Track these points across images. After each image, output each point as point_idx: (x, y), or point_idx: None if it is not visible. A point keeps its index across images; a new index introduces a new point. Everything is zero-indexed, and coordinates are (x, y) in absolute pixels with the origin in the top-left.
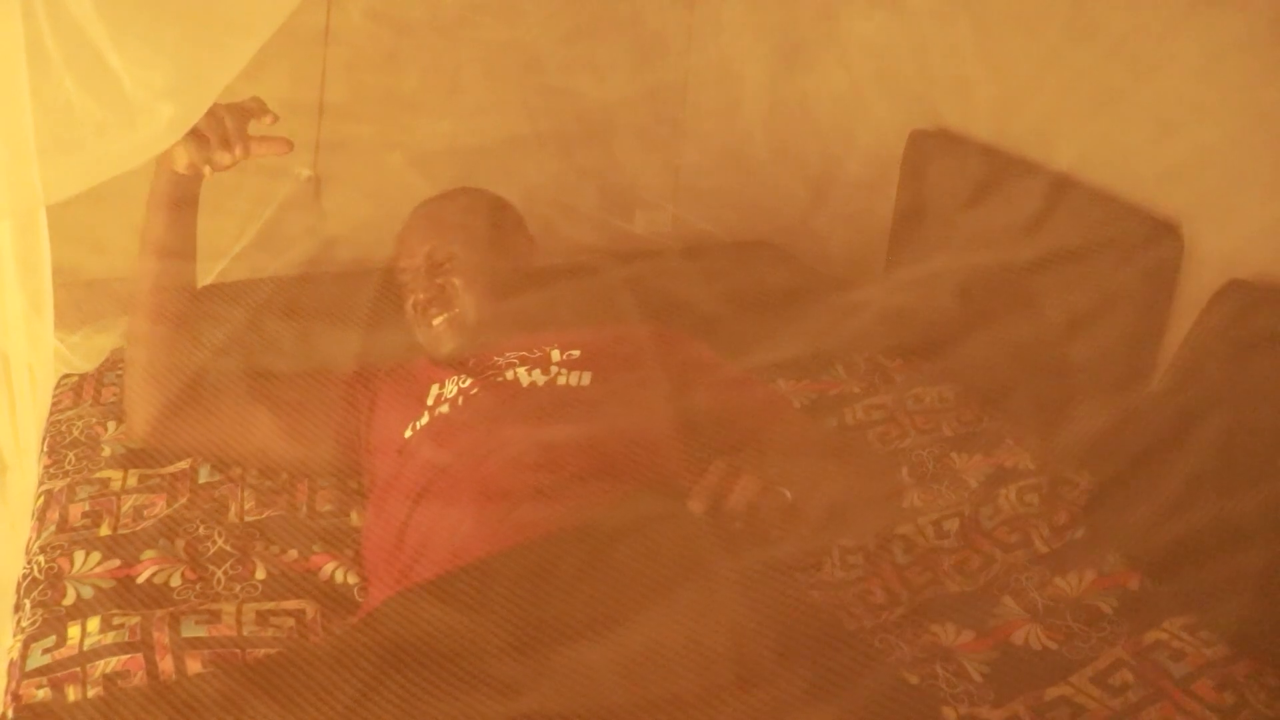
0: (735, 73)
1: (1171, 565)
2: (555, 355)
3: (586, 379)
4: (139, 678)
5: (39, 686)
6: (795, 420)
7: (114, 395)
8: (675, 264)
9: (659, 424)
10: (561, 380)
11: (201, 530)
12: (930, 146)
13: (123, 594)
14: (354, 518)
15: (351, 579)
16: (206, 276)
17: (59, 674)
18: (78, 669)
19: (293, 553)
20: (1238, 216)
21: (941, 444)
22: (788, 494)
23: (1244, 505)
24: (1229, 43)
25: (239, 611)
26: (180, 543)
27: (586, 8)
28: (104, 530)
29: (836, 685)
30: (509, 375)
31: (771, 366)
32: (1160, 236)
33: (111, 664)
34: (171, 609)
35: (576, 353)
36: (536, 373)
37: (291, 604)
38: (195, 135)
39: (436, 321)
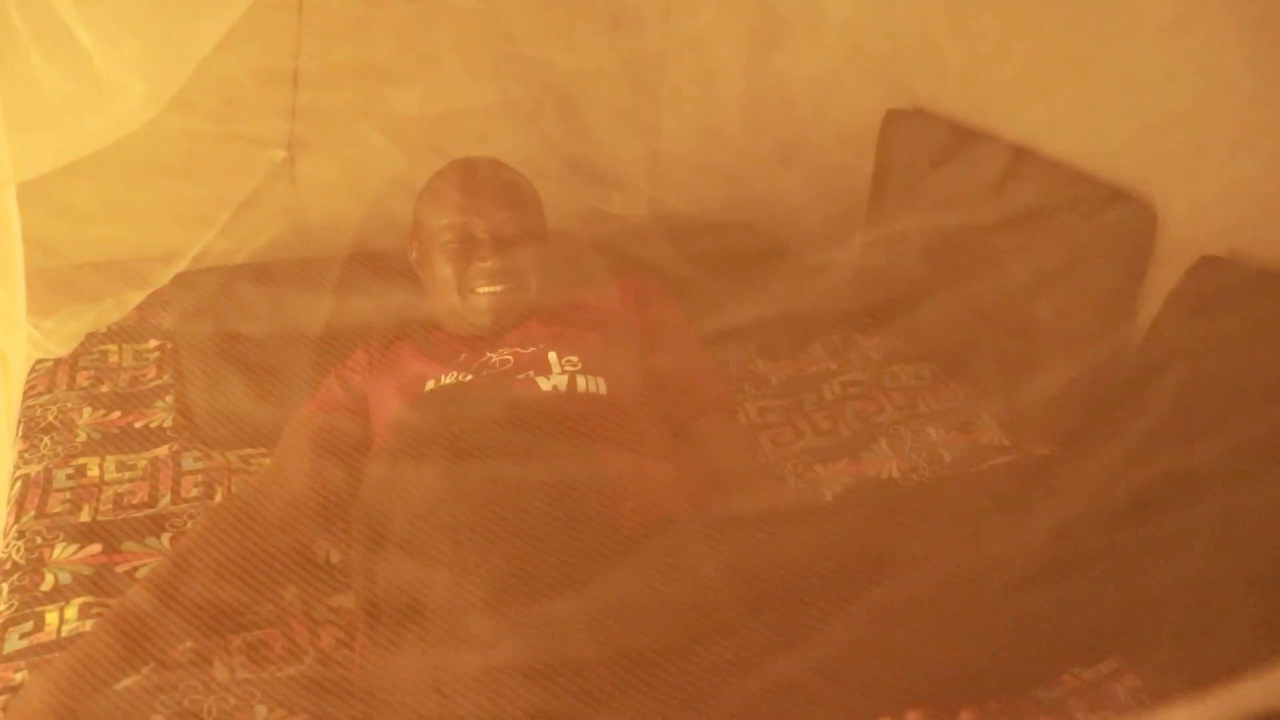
0: (711, 52)
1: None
2: (552, 358)
3: (602, 386)
4: None
5: (17, 670)
6: (723, 404)
7: (88, 380)
8: (646, 227)
9: (630, 386)
10: (580, 387)
11: (190, 525)
12: (906, 125)
13: (102, 581)
14: None
15: (334, 556)
16: (179, 263)
17: (36, 659)
18: (55, 655)
19: None
20: (1202, 178)
21: (918, 419)
22: None
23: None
24: (1192, 5)
25: None
26: (166, 536)
27: None
28: (84, 516)
29: (801, 636)
30: (520, 377)
31: (748, 346)
32: (1128, 202)
33: None
34: None
35: (575, 359)
36: (556, 378)
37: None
38: None
39: (487, 290)
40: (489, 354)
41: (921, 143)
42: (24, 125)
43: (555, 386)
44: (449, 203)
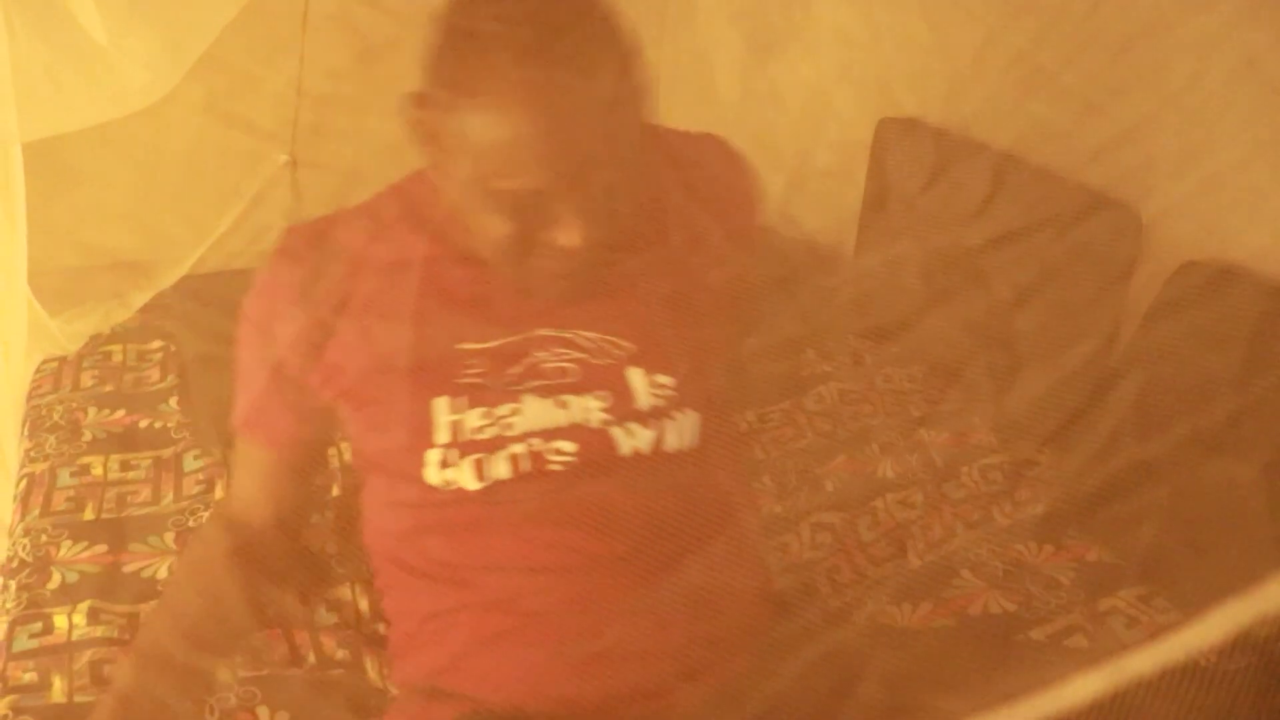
0: (708, 63)
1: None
2: (635, 380)
3: (693, 432)
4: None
5: (25, 670)
6: None
7: (94, 379)
8: None
9: (720, 410)
10: (670, 441)
11: (191, 522)
12: (899, 134)
13: (108, 581)
14: (335, 489)
15: (330, 548)
16: (183, 266)
17: (46, 659)
18: (65, 656)
19: None
20: (1155, 189)
21: (910, 422)
22: None
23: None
24: (1144, 24)
25: None
26: (169, 535)
27: None
28: (88, 515)
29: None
30: (592, 421)
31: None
32: (1113, 209)
33: (99, 653)
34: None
35: (667, 380)
36: (639, 432)
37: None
38: None
39: (558, 271)
40: (538, 354)
41: (914, 151)
42: (29, 89)
43: (637, 449)
44: (517, 152)
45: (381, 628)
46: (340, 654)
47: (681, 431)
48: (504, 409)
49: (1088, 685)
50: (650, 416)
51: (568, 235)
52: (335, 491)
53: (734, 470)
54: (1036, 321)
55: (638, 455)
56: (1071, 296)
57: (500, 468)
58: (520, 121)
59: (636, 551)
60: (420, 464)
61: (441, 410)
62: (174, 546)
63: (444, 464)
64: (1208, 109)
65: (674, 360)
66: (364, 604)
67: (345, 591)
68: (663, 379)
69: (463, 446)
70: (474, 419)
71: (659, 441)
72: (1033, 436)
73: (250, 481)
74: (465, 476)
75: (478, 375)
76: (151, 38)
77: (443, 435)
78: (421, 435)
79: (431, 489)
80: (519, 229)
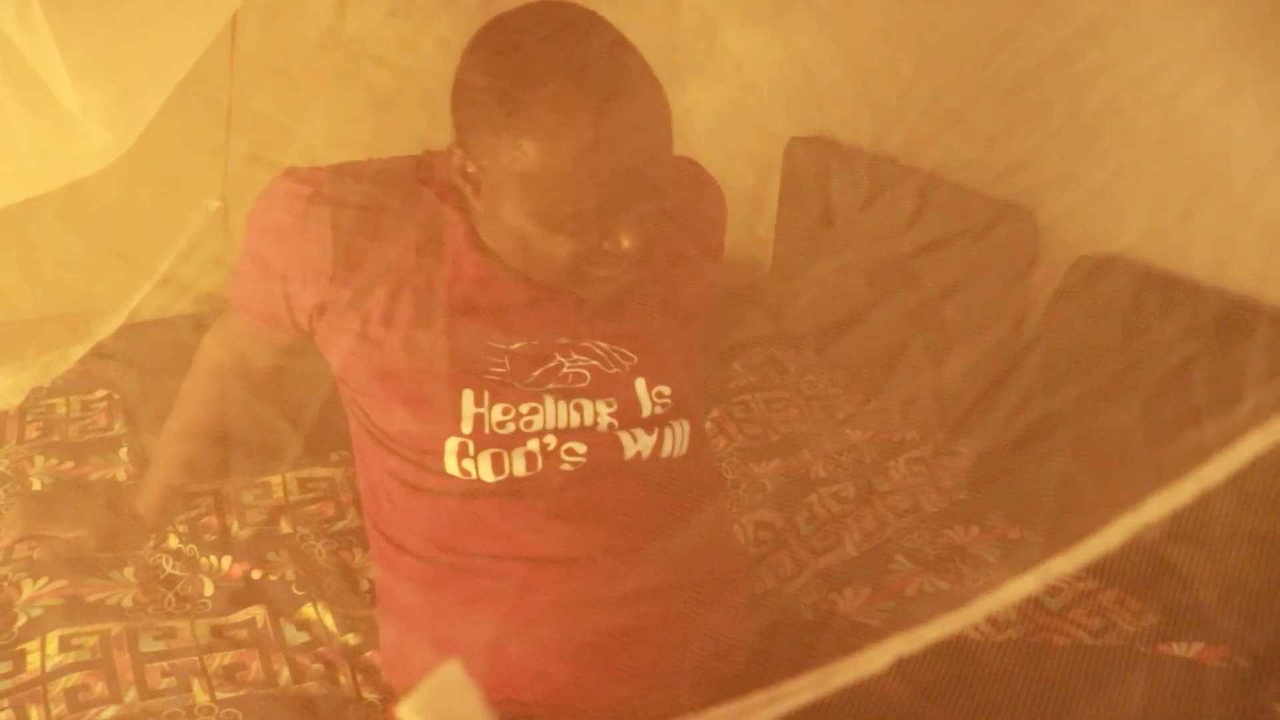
0: None
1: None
2: (640, 390)
3: (684, 440)
4: (99, 690)
5: (1, 710)
6: None
7: (38, 431)
8: None
9: (703, 417)
10: (666, 448)
11: (151, 560)
12: (807, 151)
13: (73, 610)
14: (284, 525)
15: (272, 576)
16: (120, 316)
17: (20, 695)
18: (39, 689)
19: (227, 560)
20: (1046, 202)
21: (836, 425)
22: None
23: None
24: (1026, 72)
25: (193, 626)
26: (129, 570)
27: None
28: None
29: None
30: (601, 425)
31: None
32: (1013, 214)
33: (73, 679)
34: (128, 625)
35: (667, 391)
36: (642, 437)
37: (241, 615)
38: None
39: (600, 278)
40: (559, 359)
41: (823, 166)
42: (17, 155)
43: (639, 453)
44: (575, 178)
45: (352, 638)
46: (315, 668)
47: (676, 438)
48: (525, 407)
49: (1014, 590)
50: (652, 424)
51: (621, 242)
52: (285, 529)
53: (713, 473)
54: (959, 312)
55: (639, 459)
56: (984, 291)
57: (517, 463)
58: (575, 149)
59: (639, 545)
60: (440, 451)
61: (468, 402)
62: (135, 580)
63: (462, 454)
64: (1081, 139)
65: (671, 372)
66: (328, 619)
67: (309, 610)
68: (663, 389)
69: (483, 439)
70: (497, 414)
71: (658, 447)
72: (961, 404)
73: (234, 327)
74: (483, 469)
75: (502, 373)
76: (110, 97)
77: (466, 426)
78: (446, 423)
79: (450, 478)
80: (580, 244)
